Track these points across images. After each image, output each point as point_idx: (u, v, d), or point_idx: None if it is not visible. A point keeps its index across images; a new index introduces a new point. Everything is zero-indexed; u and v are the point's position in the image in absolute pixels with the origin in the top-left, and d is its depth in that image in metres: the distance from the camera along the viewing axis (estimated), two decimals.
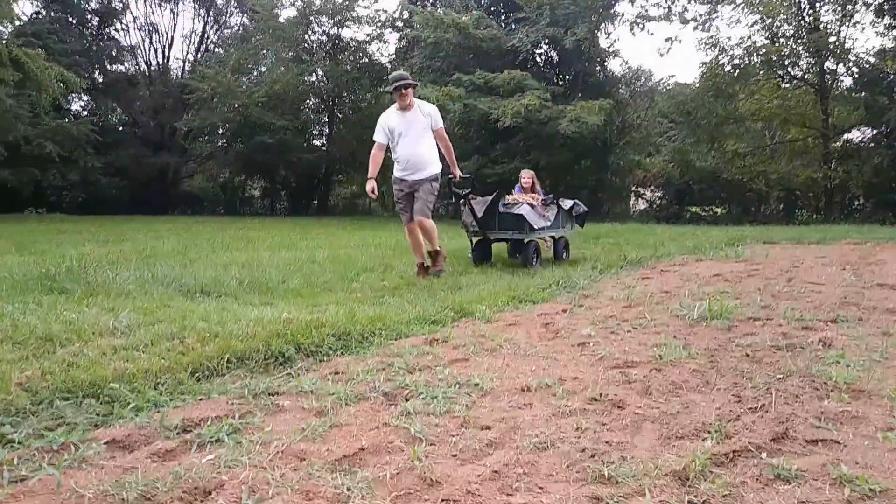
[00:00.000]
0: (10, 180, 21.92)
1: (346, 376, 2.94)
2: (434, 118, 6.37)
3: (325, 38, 29.02)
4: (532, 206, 7.40)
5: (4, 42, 19.91)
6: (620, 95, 23.56)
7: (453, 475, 1.96)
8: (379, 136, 6.41)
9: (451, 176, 6.81)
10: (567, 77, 24.23)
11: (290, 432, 2.26)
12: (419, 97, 21.91)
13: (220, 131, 29.67)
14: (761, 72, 21.03)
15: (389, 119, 6.39)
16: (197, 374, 2.86)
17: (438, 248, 6.48)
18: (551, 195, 8.13)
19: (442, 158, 6.55)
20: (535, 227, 7.13)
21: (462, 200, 7.09)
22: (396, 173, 6.43)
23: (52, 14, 28.58)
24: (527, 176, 8.69)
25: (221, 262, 7.10)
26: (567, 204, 8.12)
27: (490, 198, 7.26)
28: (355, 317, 3.88)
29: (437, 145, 6.46)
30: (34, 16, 28.08)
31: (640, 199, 25.11)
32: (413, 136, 6.27)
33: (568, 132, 18.90)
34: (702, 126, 21.32)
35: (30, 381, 2.61)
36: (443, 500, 1.83)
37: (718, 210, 22.58)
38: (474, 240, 7.51)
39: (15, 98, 19.47)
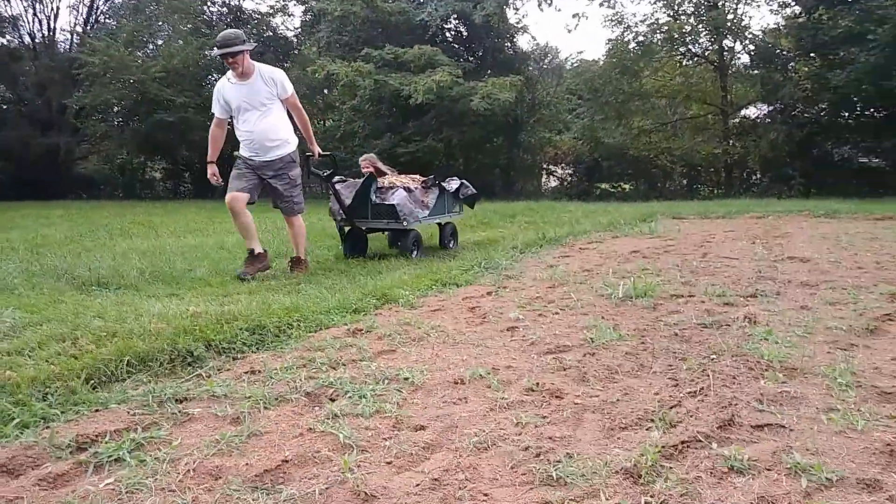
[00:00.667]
0: None
1: (264, 376, 2.70)
2: (281, 85, 5.33)
3: (225, 9, 27.78)
4: (410, 189, 6.53)
5: None
6: (530, 72, 23.68)
7: (389, 486, 1.79)
8: (216, 110, 5.46)
9: (308, 154, 5.89)
10: (478, 53, 24.14)
11: (203, 446, 2.02)
12: (329, 73, 21.06)
13: (115, 109, 27.91)
14: (664, 49, 21.62)
15: (225, 90, 5.38)
16: (92, 381, 2.54)
17: (302, 258, 5.60)
18: (432, 176, 7.07)
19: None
20: (411, 220, 6.27)
21: (325, 184, 6.20)
22: (242, 152, 5.43)
23: None
24: (365, 163, 7.30)
25: (120, 251, 6.61)
26: (453, 185, 7.20)
27: (360, 181, 6.40)
28: (270, 308, 3.62)
29: (292, 119, 5.55)
30: None
31: (551, 177, 25.45)
32: (256, 110, 5.27)
33: (480, 109, 18.83)
34: (609, 103, 21.75)
35: None
36: None
37: (626, 186, 23.17)
38: (346, 230, 6.54)
39: None
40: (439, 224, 7.26)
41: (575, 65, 26.85)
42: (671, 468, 1.84)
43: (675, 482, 1.75)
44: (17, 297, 4.01)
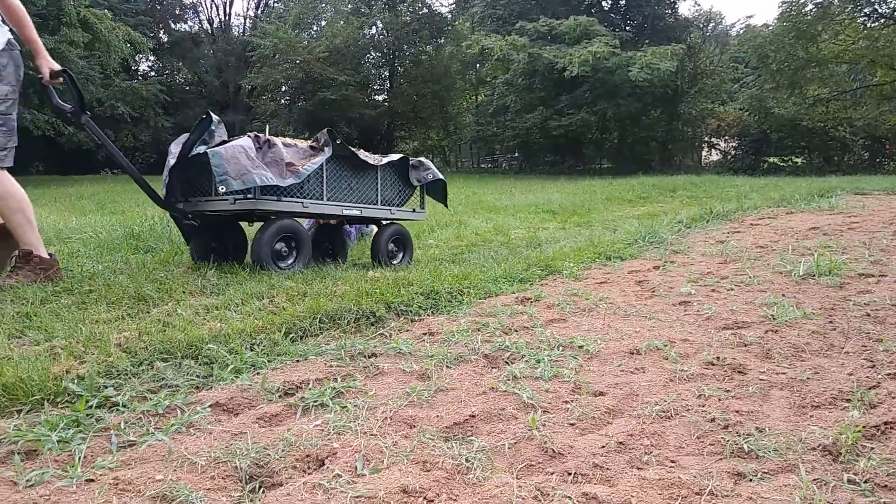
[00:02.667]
0: (86, 142, 22.58)
1: (441, 337, 2.83)
2: None
3: None
4: (261, 145, 3.98)
5: (72, 3, 20.33)
6: (692, 40, 22.47)
7: (575, 445, 1.83)
8: None
9: (39, 76, 3.74)
10: (635, 22, 23.26)
11: (395, 397, 2.17)
12: (484, 48, 21.27)
13: (283, 88, 29.84)
14: (846, 9, 19.67)
15: None
16: (291, 335, 2.80)
17: (29, 252, 3.49)
18: (327, 130, 4.36)
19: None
20: (233, 183, 3.73)
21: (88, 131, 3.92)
22: None
23: None
24: None
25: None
26: (394, 160, 4.71)
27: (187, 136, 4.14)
28: (441, 275, 3.77)
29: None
30: None
31: (713, 150, 24.13)
32: None
33: (638, 80, 18.16)
34: (781, 70, 20.20)
35: (128, 342, 2.59)
36: (567, 473, 1.71)
37: (798, 160, 21.51)
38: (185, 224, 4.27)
39: (86, 60, 19.90)
40: (371, 223, 5.03)
41: (742, 31, 25.12)
42: (873, 448, 1.74)
43: (880, 462, 1.66)
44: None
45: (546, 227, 6.64)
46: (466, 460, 1.76)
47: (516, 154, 27.59)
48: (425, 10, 29.09)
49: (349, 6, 28.20)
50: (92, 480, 1.69)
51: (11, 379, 2.16)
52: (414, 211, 4.88)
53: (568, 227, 6.47)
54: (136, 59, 27.54)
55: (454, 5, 30.25)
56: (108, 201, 9.83)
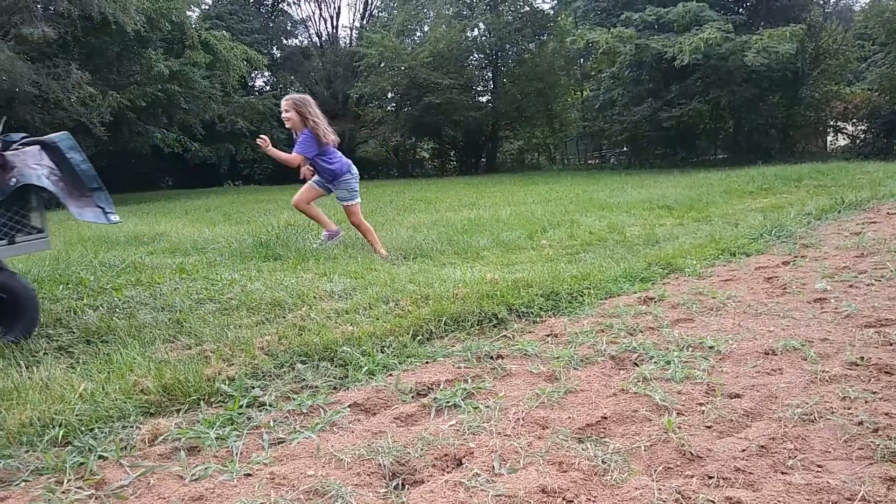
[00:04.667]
0: (210, 156, 24.09)
1: (565, 339, 2.84)
2: None
3: None
4: None
5: (194, 27, 21.73)
6: (813, 19, 21.11)
7: (714, 449, 1.80)
8: None
9: None
10: (749, 3, 22.13)
11: (525, 398, 2.21)
12: (589, 42, 20.73)
13: (389, 95, 30.55)
14: None
15: None
16: (418, 337, 2.89)
17: None
18: None
19: None
20: None
21: None
22: None
23: None
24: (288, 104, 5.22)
25: (409, 224, 7.28)
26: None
27: None
28: (560, 276, 3.77)
29: None
30: None
31: (839, 135, 22.58)
32: None
33: (755, 65, 17.26)
34: None
35: (269, 346, 2.77)
36: (708, 477, 1.68)
37: None
38: None
39: (208, 79, 21.21)
40: None
41: (867, 5, 23.34)
42: None
43: None
44: (340, 265, 4.64)
45: (662, 223, 6.47)
46: (602, 461, 1.77)
47: (625, 148, 26.93)
48: (527, 9, 28.94)
49: (451, 10, 28.50)
50: (250, 475, 1.83)
51: (171, 381, 2.36)
52: (11, 242, 2.97)
53: (686, 223, 6.27)
54: (252, 75, 29.05)
55: (556, 1, 29.91)
56: (234, 212, 10.43)
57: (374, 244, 5.44)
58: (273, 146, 5.10)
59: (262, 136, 5.14)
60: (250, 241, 5.80)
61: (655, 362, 2.47)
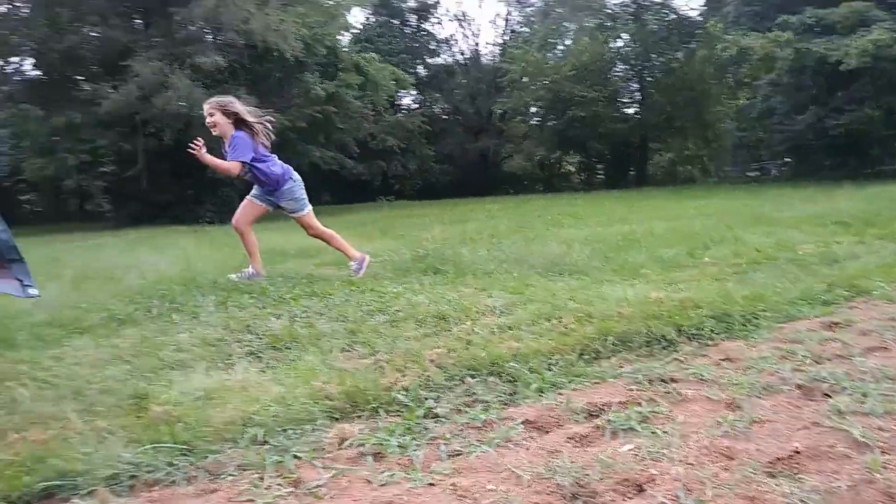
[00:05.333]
0: (363, 173, 25.34)
1: (743, 364, 2.70)
2: None
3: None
4: None
5: (346, 50, 22.98)
6: None
7: None
8: None
9: None
10: None
11: (706, 426, 2.12)
12: (742, 48, 19.95)
13: (533, 110, 30.65)
14: None
15: None
16: (585, 356, 2.87)
17: None
18: None
19: None
20: None
21: None
22: None
23: (379, 18, 32.10)
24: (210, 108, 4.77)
25: (561, 239, 7.23)
26: None
27: None
28: (731, 296, 3.59)
29: None
30: (365, 22, 31.86)
31: None
32: None
33: None
34: None
35: (439, 358, 2.85)
36: None
37: None
38: None
39: (360, 99, 22.32)
40: None
41: None
42: None
43: None
44: (497, 280, 4.70)
45: (839, 240, 5.98)
46: (800, 500, 1.66)
47: (786, 159, 25.24)
48: (673, 16, 27.99)
49: (592, 22, 28.14)
50: (433, 485, 1.89)
51: (351, 388, 2.50)
52: None
53: (867, 241, 5.76)
54: (400, 94, 30.22)
55: (705, 7, 28.69)
56: (388, 227, 10.87)
57: (344, 250, 4.99)
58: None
59: (196, 140, 4.63)
60: (408, 255, 6.00)
61: (850, 394, 2.29)
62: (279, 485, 1.91)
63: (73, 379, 2.90)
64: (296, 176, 4.94)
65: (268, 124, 4.85)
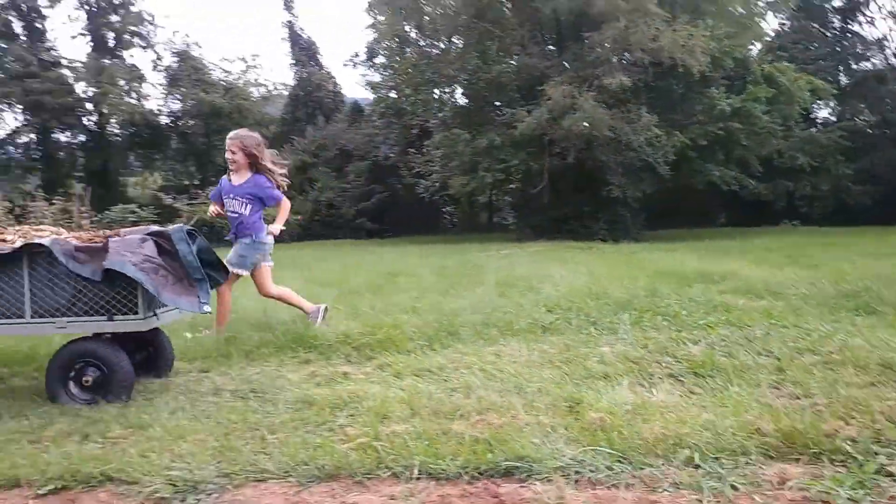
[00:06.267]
0: (765, 193, 23.47)
1: None
2: None
3: None
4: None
5: (756, 61, 21.52)
6: None
7: None
8: None
9: None
10: None
11: None
12: None
13: None
14: None
15: None
16: None
17: None
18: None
19: None
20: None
21: None
22: None
23: (794, 23, 29.23)
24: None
25: None
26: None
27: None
28: None
29: None
30: (778, 28, 29.33)
31: None
32: None
33: None
34: None
35: (891, 411, 2.56)
36: None
37: None
38: None
39: (768, 113, 20.68)
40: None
41: None
42: None
43: None
44: None
45: None
46: None
47: None
48: None
49: None
50: None
51: (788, 428, 2.39)
52: (110, 319, 3.21)
53: None
54: (815, 106, 27.15)
55: None
56: (797, 254, 9.92)
57: (225, 315, 4.64)
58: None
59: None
60: (831, 290, 5.43)
61: None
62: None
63: (514, 375, 3.35)
64: (267, 240, 4.80)
65: (284, 174, 4.89)
